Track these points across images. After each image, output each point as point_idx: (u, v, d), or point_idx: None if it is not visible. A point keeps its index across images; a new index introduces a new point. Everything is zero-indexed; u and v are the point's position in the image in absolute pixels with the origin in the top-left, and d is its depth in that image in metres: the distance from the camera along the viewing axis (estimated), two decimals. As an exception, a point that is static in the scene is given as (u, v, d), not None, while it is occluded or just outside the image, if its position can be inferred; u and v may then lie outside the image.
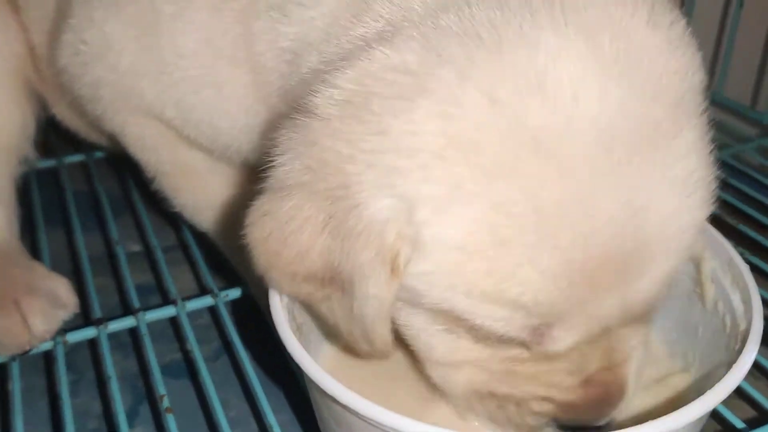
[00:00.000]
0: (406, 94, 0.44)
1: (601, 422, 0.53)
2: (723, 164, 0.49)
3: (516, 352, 0.52)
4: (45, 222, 0.91)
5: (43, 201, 0.95)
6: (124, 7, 0.67)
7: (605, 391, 0.52)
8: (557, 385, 0.52)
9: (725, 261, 0.60)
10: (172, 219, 0.97)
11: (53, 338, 0.72)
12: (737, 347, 0.54)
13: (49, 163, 1.04)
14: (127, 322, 0.75)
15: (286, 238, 0.49)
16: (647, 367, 0.63)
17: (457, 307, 0.47)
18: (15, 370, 0.69)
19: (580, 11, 0.45)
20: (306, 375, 0.50)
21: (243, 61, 0.62)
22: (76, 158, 1.07)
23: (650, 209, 0.44)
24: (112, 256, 0.91)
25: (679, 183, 0.45)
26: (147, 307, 0.76)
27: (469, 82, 0.43)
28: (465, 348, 0.52)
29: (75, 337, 0.73)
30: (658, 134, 0.44)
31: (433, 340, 0.53)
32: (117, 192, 1.03)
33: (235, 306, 0.80)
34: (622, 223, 0.43)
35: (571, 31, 0.44)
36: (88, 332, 0.73)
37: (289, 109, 0.51)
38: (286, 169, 0.49)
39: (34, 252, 0.85)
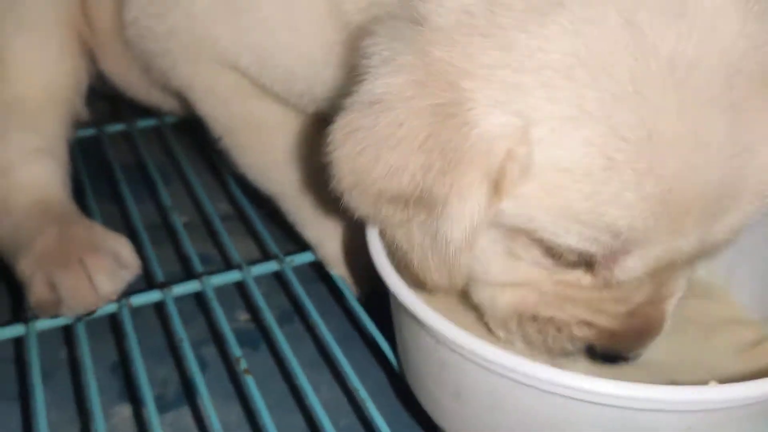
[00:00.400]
0: (538, 7, 0.43)
1: (633, 355, 0.53)
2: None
3: (573, 277, 0.51)
4: (93, 193, 0.88)
5: (88, 171, 0.92)
6: None
7: (646, 322, 0.52)
8: (605, 311, 0.51)
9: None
10: (224, 188, 0.95)
11: (118, 301, 0.69)
12: None
13: (89, 131, 1.01)
14: (192, 286, 0.72)
15: (379, 154, 0.46)
16: (741, 331, 0.62)
17: (542, 228, 0.46)
18: (81, 330, 0.66)
19: None
20: (411, 315, 0.48)
21: None
22: (118, 127, 1.04)
23: (755, 151, 0.44)
24: (166, 227, 0.89)
25: None
26: (210, 272, 0.74)
27: (608, 0, 0.42)
28: (522, 270, 0.52)
29: (140, 300, 0.70)
30: None
31: (491, 260, 0.52)
32: (163, 161, 1.00)
33: (298, 273, 0.77)
34: (726, 159, 0.43)
35: None
36: (153, 296, 0.71)
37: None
38: (386, 81, 0.45)
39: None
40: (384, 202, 0.48)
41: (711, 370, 0.57)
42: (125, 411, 0.68)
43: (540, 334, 0.53)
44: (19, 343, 0.70)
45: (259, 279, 0.75)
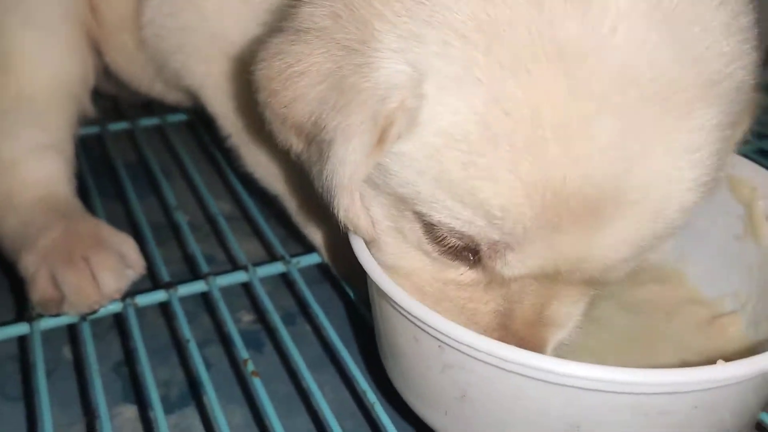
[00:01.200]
0: None
1: None
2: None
3: (455, 273, 0.51)
4: (96, 191, 0.87)
5: (91, 169, 0.92)
6: None
7: (520, 344, 0.48)
8: (478, 322, 0.51)
9: (782, 199, 0.61)
10: (227, 187, 0.94)
11: (123, 300, 0.69)
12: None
13: (92, 129, 1.00)
14: (198, 287, 0.72)
15: (287, 79, 0.48)
16: (699, 310, 0.64)
17: (419, 197, 0.46)
18: (86, 331, 0.65)
19: None
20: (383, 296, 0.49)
21: None
22: (121, 126, 1.03)
23: (643, 163, 0.42)
24: (170, 226, 0.88)
25: (680, 155, 0.43)
26: (216, 273, 0.73)
27: None
28: (408, 254, 0.52)
29: (145, 300, 0.69)
30: (680, 100, 0.42)
31: (383, 235, 0.52)
32: (166, 160, 1.00)
33: (304, 274, 0.76)
34: (611, 161, 0.42)
35: None
36: (158, 296, 0.70)
37: None
38: (311, 10, 0.48)
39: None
40: (288, 129, 0.50)
41: (677, 348, 0.60)
42: (129, 411, 0.67)
43: None
44: (22, 341, 0.70)
45: (263, 280, 0.74)
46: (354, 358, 0.64)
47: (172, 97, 0.89)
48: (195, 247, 0.77)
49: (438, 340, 0.47)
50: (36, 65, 0.75)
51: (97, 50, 0.84)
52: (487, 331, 0.50)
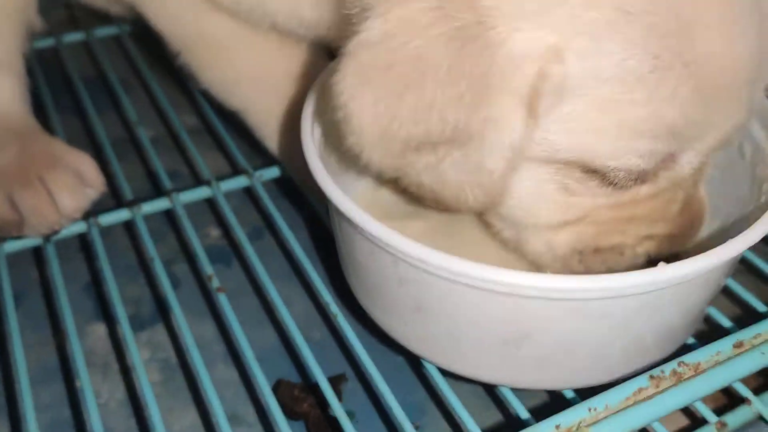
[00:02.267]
0: None
1: (689, 246, 0.55)
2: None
3: (630, 195, 0.51)
4: (54, 107, 0.85)
5: (48, 84, 0.89)
6: None
7: (693, 213, 0.53)
8: (666, 218, 0.52)
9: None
10: (190, 99, 0.92)
11: (86, 220, 0.68)
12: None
13: (46, 42, 0.96)
14: (161, 204, 0.71)
15: (401, 96, 0.42)
16: None
17: (599, 154, 0.45)
18: (51, 251, 0.65)
19: None
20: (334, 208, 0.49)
21: None
22: (76, 37, 0.99)
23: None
24: (132, 141, 0.86)
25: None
26: (179, 189, 0.72)
27: None
28: (577, 204, 0.51)
29: (108, 219, 0.69)
30: None
31: (542, 202, 0.51)
32: (125, 72, 0.97)
33: (268, 188, 0.76)
34: (757, 24, 0.44)
35: None
36: (122, 214, 0.70)
37: None
38: (397, 14, 0.41)
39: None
40: (411, 149, 0.44)
41: None
42: (100, 330, 0.68)
43: (604, 264, 0.53)
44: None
45: (228, 194, 0.74)
46: (318, 271, 0.64)
47: (114, 9, 0.84)
48: (157, 164, 0.76)
49: (392, 255, 0.48)
50: None
51: None
52: (673, 221, 0.52)
